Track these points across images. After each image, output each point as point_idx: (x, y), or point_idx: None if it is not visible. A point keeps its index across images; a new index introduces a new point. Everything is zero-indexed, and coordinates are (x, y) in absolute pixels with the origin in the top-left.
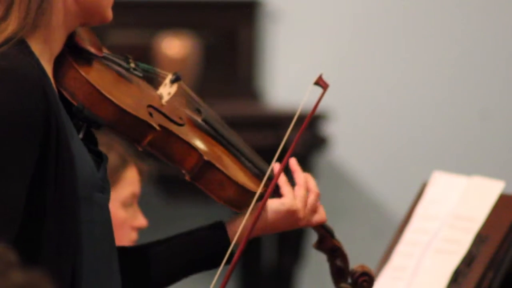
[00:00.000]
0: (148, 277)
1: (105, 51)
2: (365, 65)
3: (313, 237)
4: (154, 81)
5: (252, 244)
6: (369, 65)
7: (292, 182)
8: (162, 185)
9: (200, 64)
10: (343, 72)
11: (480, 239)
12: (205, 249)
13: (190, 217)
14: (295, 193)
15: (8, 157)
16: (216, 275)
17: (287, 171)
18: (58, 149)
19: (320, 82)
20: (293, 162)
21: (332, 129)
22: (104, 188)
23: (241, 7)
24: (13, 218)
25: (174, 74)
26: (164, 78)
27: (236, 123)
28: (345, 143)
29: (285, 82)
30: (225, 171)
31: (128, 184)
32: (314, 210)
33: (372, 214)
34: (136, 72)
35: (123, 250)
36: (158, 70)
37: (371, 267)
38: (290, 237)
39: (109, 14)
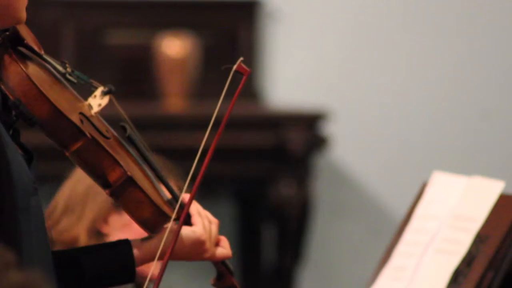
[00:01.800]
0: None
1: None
2: (365, 65)
3: (313, 237)
4: (86, 92)
5: (252, 244)
6: (369, 65)
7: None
8: None
9: (200, 64)
10: (343, 72)
11: (480, 239)
12: (108, 269)
13: None
14: (198, 223)
15: None
16: None
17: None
18: None
19: (241, 69)
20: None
21: (332, 129)
22: (36, 189)
23: (241, 7)
24: None
25: (107, 86)
26: (95, 89)
27: (236, 123)
28: (345, 143)
29: (285, 82)
30: (145, 190)
31: None
32: (217, 242)
33: (372, 214)
34: (71, 78)
35: None
36: (92, 81)
37: (371, 267)
38: (290, 237)
39: (23, 15)
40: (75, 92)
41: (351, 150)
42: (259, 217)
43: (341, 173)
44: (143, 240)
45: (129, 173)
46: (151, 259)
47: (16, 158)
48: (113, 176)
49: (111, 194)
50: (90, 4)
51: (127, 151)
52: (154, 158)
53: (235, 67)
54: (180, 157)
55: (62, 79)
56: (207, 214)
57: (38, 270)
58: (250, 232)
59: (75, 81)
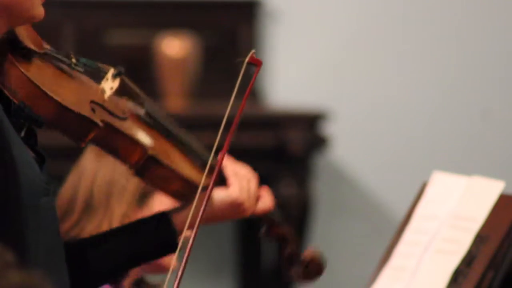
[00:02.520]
0: (88, 274)
1: (47, 46)
2: (365, 65)
3: (313, 237)
4: (97, 77)
5: (252, 244)
6: (369, 65)
7: None
8: None
9: (200, 64)
10: (343, 72)
11: (480, 239)
12: (151, 242)
13: None
14: (236, 183)
15: None
16: (170, 271)
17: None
18: None
19: (253, 60)
20: (220, 157)
21: (332, 129)
22: (49, 190)
23: (241, 7)
24: None
25: (116, 68)
26: (105, 73)
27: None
28: (345, 143)
29: (285, 82)
30: (170, 165)
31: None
32: (257, 198)
33: (372, 214)
34: (77, 68)
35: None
36: (100, 64)
37: (371, 267)
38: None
39: (38, 12)
40: (87, 79)
41: (351, 150)
42: (259, 217)
43: (341, 173)
44: (178, 209)
45: (149, 152)
46: (188, 226)
47: (24, 158)
48: (134, 156)
49: (136, 174)
50: (90, 4)
51: (149, 126)
52: (177, 128)
53: (247, 59)
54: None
55: (68, 70)
56: (245, 172)
57: (46, 269)
58: (250, 232)
59: (82, 70)
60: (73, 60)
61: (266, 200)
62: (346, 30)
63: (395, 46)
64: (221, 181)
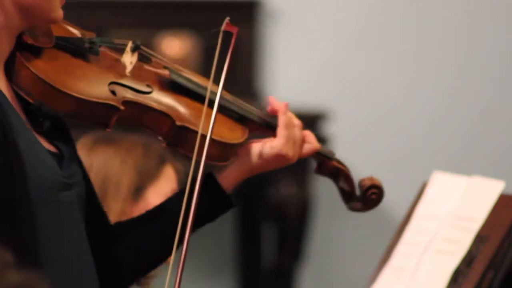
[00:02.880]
0: (152, 245)
1: (61, 33)
2: (365, 65)
3: (313, 237)
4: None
5: (252, 244)
6: (369, 65)
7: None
8: None
9: (200, 64)
10: (343, 72)
11: (480, 239)
12: (203, 204)
13: None
14: (281, 133)
15: None
16: None
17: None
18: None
19: (229, 28)
20: (272, 101)
21: (332, 129)
22: (70, 185)
23: (241, 7)
24: None
25: (133, 42)
26: (123, 48)
27: None
28: (345, 143)
29: (285, 82)
30: (203, 131)
31: (167, 181)
32: (302, 143)
33: (372, 214)
34: (93, 50)
35: (126, 224)
36: (116, 40)
37: (371, 267)
38: (290, 237)
39: (58, 14)
40: (107, 58)
41: (351, 150)
42: (259, 217)
43: None
44: (223, 171)
45: (178, 122)
46: (238, 181)
47: (34, 152)
48: (164, 128)
49: (169, 145)
50: (90, 4)
51: (177, 92)
52: (205, 89)
53: (223, 27)
54: (181, 156)
55: (84, 55)
56: (292, 118)
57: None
58: (250, 232)
59: (97, 53)
60: (87, 44)
61: (311, 141)
62: (346, 30)
63: (395, 46)
64: (271, 128)
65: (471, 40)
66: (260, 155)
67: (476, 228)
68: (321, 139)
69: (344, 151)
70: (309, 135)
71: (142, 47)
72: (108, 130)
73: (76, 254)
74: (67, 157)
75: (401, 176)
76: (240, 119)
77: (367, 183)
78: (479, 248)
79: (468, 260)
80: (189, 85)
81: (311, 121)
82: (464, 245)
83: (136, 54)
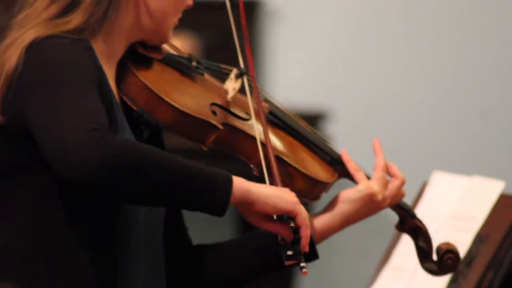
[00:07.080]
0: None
1: (169, 49)
2: (365, 65)
3: (313, 237)
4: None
5: None
6: (369, 65)
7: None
8: None
9: None
10: (343, 72)
11: (480, 239)
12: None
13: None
14: (373, 176)
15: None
16: None
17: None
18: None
19: None
20: (376, 144)
21: (332, 129)
22: None
23: None
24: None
25: (239, 69)
26: (227, 74)
27: None
28: (345, 143)
29: (285, 82)
30: (293, 163)
31: None
32: (395, 195)
33: None
34: (198, 70)
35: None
36: (221, 65)
37: (371, 267)
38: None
39: (170, 34)
40: (209, 81)
41: (351, 150)
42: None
43: None
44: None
45: (273, 153)
46: (332, 232)
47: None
48: (258, 157)
49: (260, 173)
50: None
51: (273, 125)
52: (301, 125)
53: None
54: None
55: (190, 74)
56: (392, 168)
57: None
58: (250, 232)
59: (202, 73)
60: (194, 63)
61: (402, 195)
62: (345, 30)
63: (395, 46)
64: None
65: (471, 40)
66: (349, 200)
67: (476, 228)
68: None
69: None
70: (392, 183)
71: (246, 76)
72: (204, 148)
73: (152, 267)
74: None
75: None
76: (331, 162)
77: (444, 247)
78: (479, 248)
79: (468, 260)
80: (287, 119)
81: (311, 121)
82: (464, 245)
83: (239, 81)
